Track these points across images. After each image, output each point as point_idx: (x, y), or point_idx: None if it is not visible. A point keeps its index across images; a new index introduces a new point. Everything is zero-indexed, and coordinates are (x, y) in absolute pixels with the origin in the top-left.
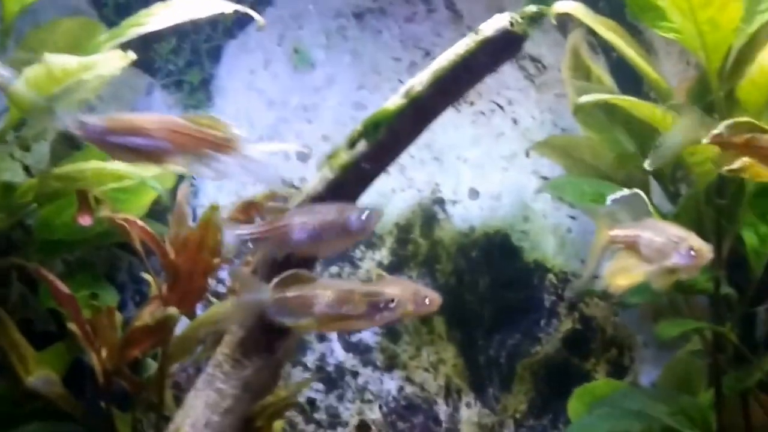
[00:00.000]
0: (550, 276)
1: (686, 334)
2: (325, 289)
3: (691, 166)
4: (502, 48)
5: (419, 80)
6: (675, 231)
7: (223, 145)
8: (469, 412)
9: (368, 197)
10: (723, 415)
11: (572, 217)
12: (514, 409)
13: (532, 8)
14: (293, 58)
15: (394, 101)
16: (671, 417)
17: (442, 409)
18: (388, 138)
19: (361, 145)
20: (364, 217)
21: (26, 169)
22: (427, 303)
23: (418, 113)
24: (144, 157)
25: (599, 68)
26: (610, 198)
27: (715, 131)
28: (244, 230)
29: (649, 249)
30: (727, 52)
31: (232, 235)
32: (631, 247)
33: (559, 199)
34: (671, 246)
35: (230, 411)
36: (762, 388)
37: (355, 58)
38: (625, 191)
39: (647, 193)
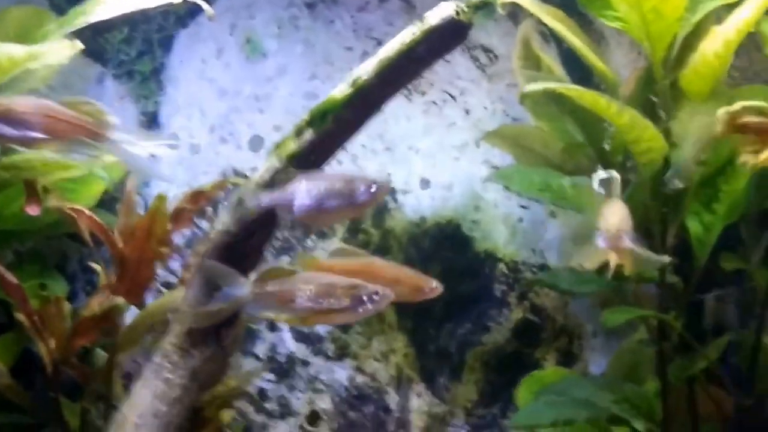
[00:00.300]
0: (501, 266)
1: (633, 322)
2: (306, 283)
3: (637, 155)
4: (448, 36)
5: (365, 69)
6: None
7: (95, 132)
8: (420, 401)
9: None
10: (668, 403)
11: (524, 207)
12: (464, 399)
13: None
14: (245, 48)
15: (340, 90)
16: (616, 405)
17: (393, 399)
18: (335, 127)
19: (308, 134)
20: (373, 189)
21: None
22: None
23: (365, 102)
24: (16, 142)
25: (550, 58)
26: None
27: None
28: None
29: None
30: (672, 42)
31: (253, 199)
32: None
33: (507, 188)
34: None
35: (178, 401)
36: (709, 378)
37: (307, 48)
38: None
39: None
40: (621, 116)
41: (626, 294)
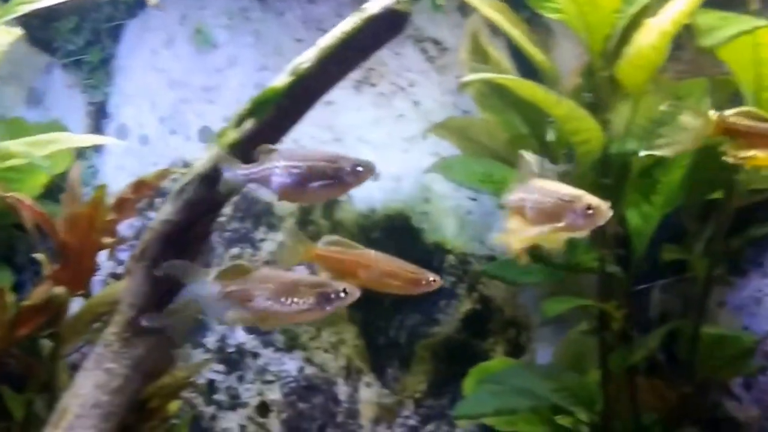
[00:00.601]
0: (450, 257)
1: (578, 313)
2: (266, 281)
3: (575, 146)
4: (387, 26)
5: (306, 58)
6: (567, 190)
7: None
8: (369, 392)
9: None
10: (609, 393)
11: (473, 199)
12: (413, 389)
13: None
14: (195, 39)
15: (281, 79)
16: (556, 394)
17: (342, 390)
18: (275, 115)
19: (250, 123)
20: (359, 168)
21: None
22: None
23: (306, 91)
24: None
25: (498, 51)
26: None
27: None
28: (242, 171)
29: (539, 211)
30: (610, 34)
31: (232, 174)
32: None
33: (448, 178)
34: (565, 206)
35: (120, 391)
36: (653, 368)
37: (257, 39)
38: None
39: None
40: (559, 107)
41: (572, 285)
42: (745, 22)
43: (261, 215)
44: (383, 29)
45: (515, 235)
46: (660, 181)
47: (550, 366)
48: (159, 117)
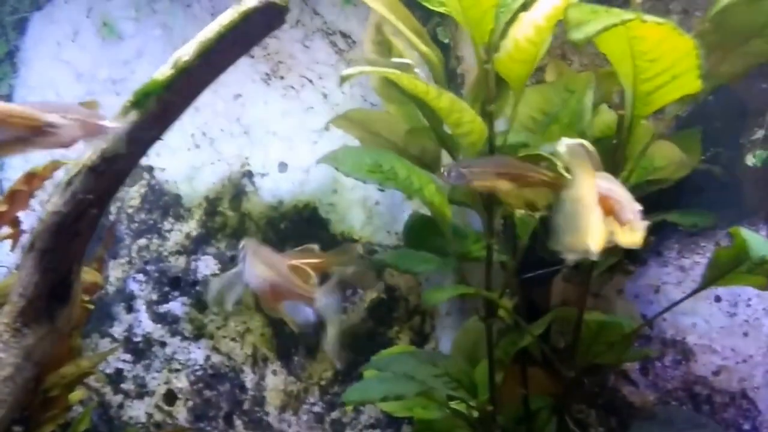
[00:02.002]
0: (357, 247)
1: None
2: None
3: (459, 138)
4: (266, 19)
5: (186, 51)
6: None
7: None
8: (275, 379)
9: (178, 170)
10: (495, 379)
11: (381, 190)
12: (318, 377)
13: None
14: (102, 31)
15: (162, 72)
16: (435, 379)
17: (249, 377)
18: (158, 108)
19: (133, 116)
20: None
21: None
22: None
23: (187, 84)
24: None
25: (401, 43)
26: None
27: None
28: None
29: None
30: (493, 28)
31: None
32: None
33: (337, 168)
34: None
35: (10, 379)
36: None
37: (164, 31)
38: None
39: (437, 166)
40: (440, 100)
41: (476, 274)
42: (615, 15)
43: (168, 206)
44: (262, 22)
45: (600, 233)
46: None
47: (435, 353)
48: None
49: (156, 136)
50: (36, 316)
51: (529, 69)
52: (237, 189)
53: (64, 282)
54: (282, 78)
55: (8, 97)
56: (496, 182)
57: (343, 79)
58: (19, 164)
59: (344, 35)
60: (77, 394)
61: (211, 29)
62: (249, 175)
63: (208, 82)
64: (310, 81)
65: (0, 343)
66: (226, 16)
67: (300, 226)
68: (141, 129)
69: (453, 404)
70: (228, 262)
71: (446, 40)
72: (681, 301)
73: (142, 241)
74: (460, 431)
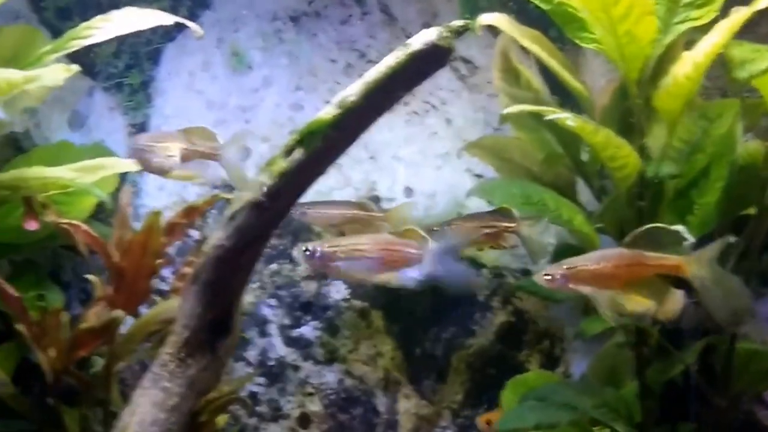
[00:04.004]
0: (484, 271)
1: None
2: None
3: (612, 171)
4: (430, 61)
5: (352, 91)
6: None
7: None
8: (408, 403)
9: (307, 195)
10: (647, 406)
11: None
12: (450, 400)
13: (458, 23)
14: (231, 61)
15: (328, 111)
16: (596, 410)
17: (381, 401)
18: (323, 146)
19: (298, 153)
20: None
21: None
22: None
23: (352, 123)
24: None
25: (528, 70)
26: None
27: None
28: None
29: None
30: (645, 63)
31: None
32: None
33: (489, 201)
34: None
35: (176, 408)
36: (687, 384)
37: (291, 60)
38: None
39: (573, 192)
40: (596, 135)
41: None
42: None
43: (298, 232)
44: (426, 64)
45: None
46: (695, 202)
47: (588, 379)
48: None
49: (319, 174)
50: (199, 347)
51: (683, 104)
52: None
53: (225, 314)
54: (406, 104)
55: (144, 126)
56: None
57: (504, 118)
58: (154, 191)
59: (466, 61)
60: (222, 419)
61: (377, 70)
62: (376, 200)
63: (372, 121)
64: (434, 107)
65: (166, 372)
66: (393, 58)
67: None
68: (305, 166)
69: (596, 430)
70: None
71: None
72: None
73: (274, 266)
74: None
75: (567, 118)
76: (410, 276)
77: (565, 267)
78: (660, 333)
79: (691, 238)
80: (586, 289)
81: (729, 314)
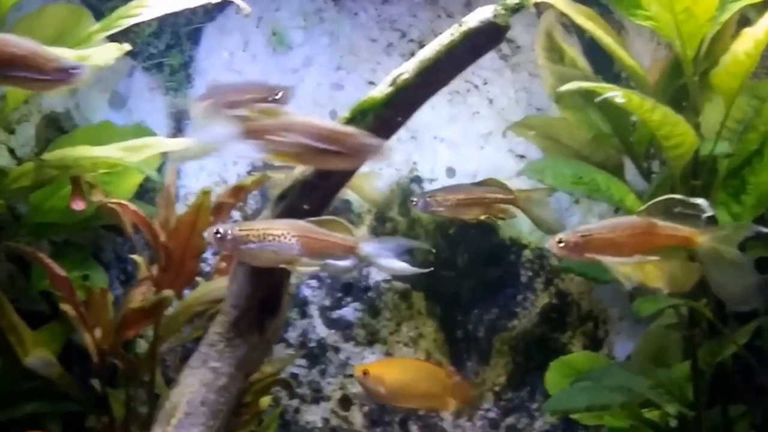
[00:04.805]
0: (527, 252)
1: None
2: None
3: (667, 150)
4: (485, 39)
5: (405, 69)
6: None
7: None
8: None
9: None
10: (699, 387)
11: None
12: (492, 382)
13: (514, 0)
14: (271, 40)
15: (380, 89)
16: (652, 391)
17: None
18: (375, 125)
19: None
20: None
21: (11, 152)
22: None
23: (404, 102)
24: None
25: (572, 49)
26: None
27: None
28: None
29: None
30: (702, 40)
31: None
32: None
33: (540, 181)
34: None
35: (225, 389)
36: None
37: (332, 40)
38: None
39: (622, 172)
40: (653, 113)
41: None
42: None
43: (338, 212)
44: (481, 42)
45: None
46: (749, 182)
47: (636, 360)
48: None
49: None
50: (248, 327)
51: (741, 82)
52: (406, 194)
53: (274, 294)
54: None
55: (183, 106)
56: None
57: (559, 96)
58: (195, 172)
59: (508, 40)
60: (265, 400)
61: (430, 48)
62: (418, 180)
63: (424, 99)
64: (476, 86)
65: (215, 352)
66: (446, 36)
67: (469, 231)
68: None
69: (645, 412)
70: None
71: None
72: None
73: None
74: None
75: (627, 95)
76: (335, 266)
77: (579, 234)
78: (713, 315)
79: (710, 212)
80: (598, 257)
81: (733, 294)
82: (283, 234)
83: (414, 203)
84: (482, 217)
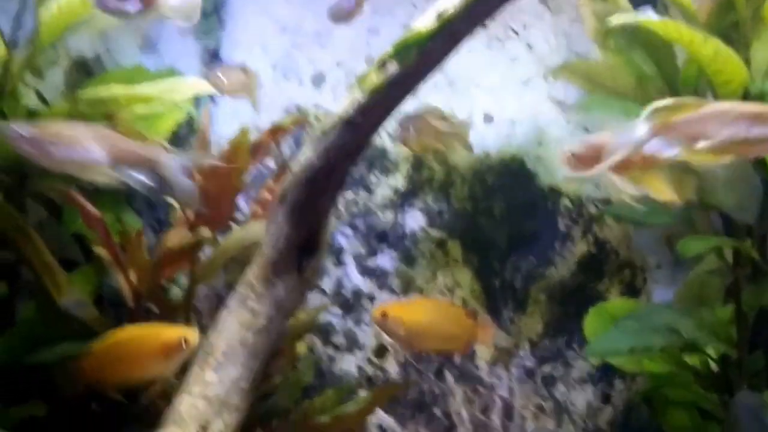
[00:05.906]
0: (565, 200)
1: (703, 252)
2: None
3: (717, 86)
4: None
5: (451, 3)
6: None
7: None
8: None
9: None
10: (742, 330)
11: None
12: (529, 331)
13: None
14: None
15: (425, 24)
16: (697, 331)
17: None
18: (418, 60)
19: (392, 67)
20: None
21: (41, 96)
22: None
23: (450, 36)
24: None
25: None
26: None
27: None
28: None
29: None
30: None
31: None
32: None
33: (584, 119)
34: None
35: (264, 330)
36: None
37: None
38: None
39: None
40: (705, 46)
41: (694, 224)
42: None
43: (374, 160)
44: None
45: None
46: None
47: (676, 306)
48: (271, 62)
49: (411, 88)
50: (286, 268)
51: None
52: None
53: (313, 234)
54: (486, 28)
55: (216, 51)
56: None
57: (601, 38)
58: (225, 118)
59: None
60: (302, 346)
61: None
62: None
63: (469, 33)
64: (515, 32)
65: (253, 294)
66: None
67: (507, 179)
68: (399, 81)
69: (685, 356)
70: (435, 216)
71: None
72: None
73: (349, 195)
74: (695, 386)
75: (677, 27)
76: (136, 179)
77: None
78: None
79: None
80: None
81: (737, 205)
82: (88, 140)
83: None
84: None
